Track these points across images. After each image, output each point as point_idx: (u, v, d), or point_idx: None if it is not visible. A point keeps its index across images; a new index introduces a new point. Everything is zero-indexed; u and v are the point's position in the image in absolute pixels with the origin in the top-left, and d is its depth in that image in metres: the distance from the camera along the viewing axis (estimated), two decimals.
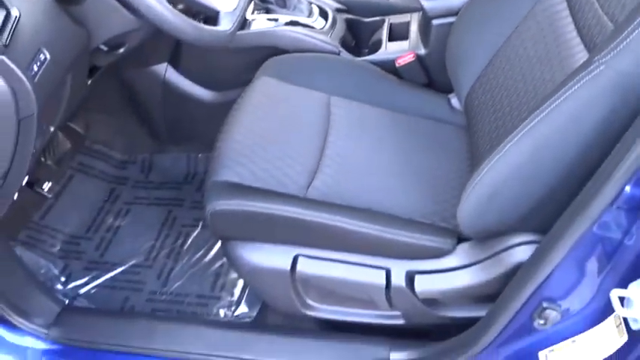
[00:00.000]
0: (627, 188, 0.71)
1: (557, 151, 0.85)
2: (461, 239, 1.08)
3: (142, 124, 1.67)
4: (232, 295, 1.35)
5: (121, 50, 1.16)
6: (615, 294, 0.74)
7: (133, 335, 1.20)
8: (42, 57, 0.91)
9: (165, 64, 1.55)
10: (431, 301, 1.10)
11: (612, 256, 0.77)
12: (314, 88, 1.36)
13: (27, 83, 0.87)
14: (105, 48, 1.12)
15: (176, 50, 1.55)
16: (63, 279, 1.41)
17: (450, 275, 1.06)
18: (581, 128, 0.83)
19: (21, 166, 0.94)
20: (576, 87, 0.82)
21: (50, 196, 1.44)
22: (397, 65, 1.43)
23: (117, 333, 1.21)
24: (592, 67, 0.81)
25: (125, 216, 1.57)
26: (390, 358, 1.10)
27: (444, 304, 1.11)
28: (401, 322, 1.16)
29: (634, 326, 0.75)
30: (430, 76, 1.45)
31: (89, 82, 1.19)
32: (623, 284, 0.75)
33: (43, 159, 1.46)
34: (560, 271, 0.82)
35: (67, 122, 1.59)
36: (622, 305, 0.75)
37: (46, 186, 1.41)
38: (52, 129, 1.07)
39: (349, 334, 1.17)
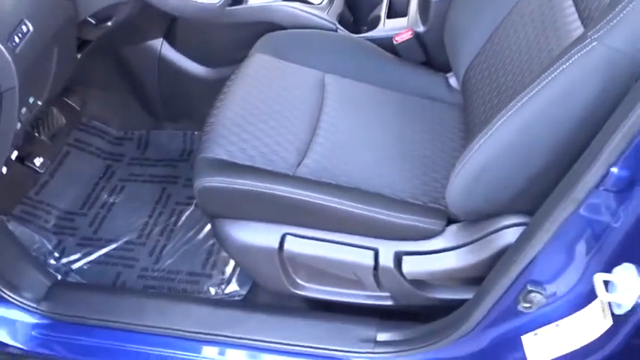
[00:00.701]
0: (614, 170, 0.69)
1: (547, 130, 0.82)
2: (451, 221, 1.06)
3: (139, 100, 1.65)
4: (223, 273, 1.35)
5: (109, 23, 1.14)
6: (599, 278, 0.72)
7: (123, 311, 1.20)
8: (24, 28, 0.90)
9: (160, 40, 1.53)
10: (419, 283, 1.09)
11: (598, 239, 0.75)
12: (309, 65, 1.34)
13: (7, 55, 0.86)
14: (93, 21, 1.11)
15: (171, 26, 1.53)
16: (56, 254, 1.42)
17: (438, 257, 1.04)
18: (572, 107, 0.80)
19: (4, 140, 0.93)
20: (568, 64, 0.79)
21: (42, 171, 1.44)
22: (395, 42, 1.39)
23: (107, 308, 1.21)
24: (584, 43, 0.78)
25: (120, 193, 1.56)
26: (377, 338, 1.09)
27: (433, 286, 1.09)
28: (389, 303, 1.14)
29: (617, 311, 0.73)
30: (428, 54, 1.42)
31: (79, 56, 1.18)
32: (608, 268, 0.73)
33: (37, 134, 1.46)
34: (545, 254, 0.80)
35: (63, 98, 1.58)
36: (606, 290, 0.73)
37: (38, 161, 1.40)
38: (40, 103, 1.06)
39: (338, 314, 1.16)
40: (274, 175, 1.09)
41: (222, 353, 1.16)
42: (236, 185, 1.07)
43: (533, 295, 0.84)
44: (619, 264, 0.72)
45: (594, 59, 0.78)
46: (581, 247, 0.78)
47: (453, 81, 1.38)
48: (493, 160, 0.87)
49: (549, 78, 0.81)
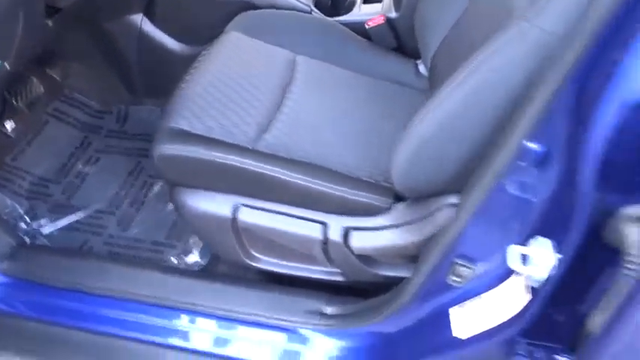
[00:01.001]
0: (529, 143, 0.71)
1: (481, 109, 0.84)
2: (399, 199, 1.09)
3: (119, 75, 1.68)
4: (186, 244, 1.38)
5: None
6: (513, 251, 0.75)
7: (86, 274, 1.23)
8: None
9: (140, 15, 1.56)
10: (366, 259, 1.12)
11: (518, 213, 0.77)
12: (281, 45, 1.36)
13: None
14: None
15: (151, 2, 1.55)
16: (27, 219, 1.45)
17: (384, 233, 1.07)
18: (506, 88, 0.82)
19: None
20: (503, 43, 0.82)
21: (13, 136, 1.47)
22: (367, 27, 1.42)
23: (70, 271, 1.24)
24: (518, 24, 0.80)
25: (95, 164, 1.60)
26: (323, 311, 1.12)
27: (379, 263, 1.12)
28: (339, 278, 1.17)
29: (532, 283, 0.75)
30: (400, 40, 1.44)
31: (50, 23, 1.21)
32: (527, 242, 0.76)
33: (14, 102, 1.49)
34: (471, 229, 0.83)
35: (45, 69, 1.62)
36: (523, 263, 0.75)
37: (9, 125, 1.43)
38: (7, 67, 1.09)
39: (290, 287, 1.19)
40: (230, 146, 1.11)
41: (176, 317, 1.19)
42: (191, 154, 1.09)
43: (461, 268, 0.86)
44: (535, 237, 0.74)
45: (528, 41, 0.80)
46: (502, 222, 0.80)
47: (422, 68, 1.40)
48: (430, 137, 0.90)
49: (485, 59, 0.83)
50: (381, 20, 1.41)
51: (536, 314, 0.76)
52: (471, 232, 0.83)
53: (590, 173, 0.62)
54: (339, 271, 1.16)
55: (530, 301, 0.76)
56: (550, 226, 0.73)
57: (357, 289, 1.18)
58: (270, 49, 1.35)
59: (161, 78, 1.66)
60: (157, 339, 1.17)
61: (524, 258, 0.75)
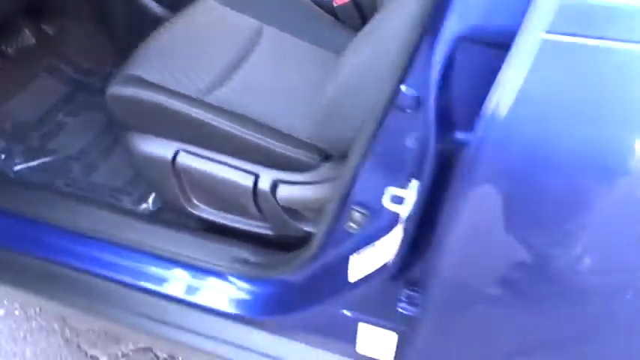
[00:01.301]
0: (402, 87, 0.76)
1: (378, 65, 0.89)
2: (328, 159, 1.15)
3: (109, 36, 1.78)
4: (141, 192, 1.46)
5: None
6: (388, 191, 0.80)
7: (45, 207, 1.32)
8: None
9: None
10: (293, 213, 1.18)
11: (396, 157, 0.82)
12: (250, 15, 1.44)
13: None
14: None
15: None
16: (2, 156, 1.55)
17: (309, 188, 1.13)
18: (398, 43, 0.87)
19: None
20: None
21: None
22: (335, 5, 1.49)
23: (32, 202, 1.33)
24: None
25: (76, 117, 1.69)
26: (246, 259, 1.19)
27: (304, 218, 1.18)
28: (268, 232, 1.24)
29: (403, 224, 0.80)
30: (365, 20, 1.50)
31: None
32: (406, 185, 0.81)
33: (4, 47, 1.60)
34: (362, 175, 0.88)
35: (39, 23, 1.73)
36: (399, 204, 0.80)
37: None
38: None
39: (223, 237, 1.26)
40: (178, 94, 1.19)
41: (118, 254, 1.27)
42: (140, 96, 1.18)
43: (356, 214, 0.92)
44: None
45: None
46: (386, 167, 0.85)
47: None
48: (336, 96, 0.96)
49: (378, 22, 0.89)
50: (348, 0, 1.48)
51: (405, 256, 0.81)
52: (363, 179, 0.88)
53: (433, 106, 0.68)
54: (267, 225, 1.23)
55: (401, 242, 0.81)
56: (422, 169, 0.78)
57: (284, 244, 1.24)
58: (238, 17, 1.43)
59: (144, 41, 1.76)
60: (97, 270, 1.25)
61: (399, 200, 0.80)
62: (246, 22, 1.43)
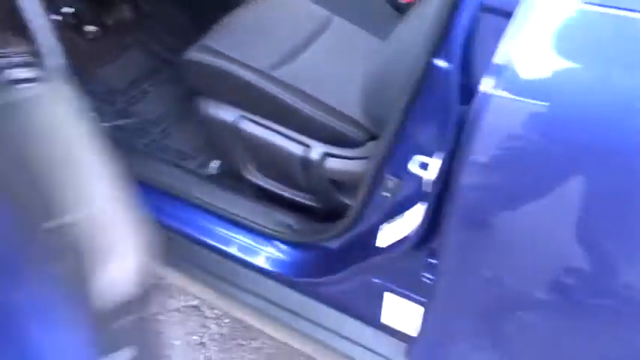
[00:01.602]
0: (435, 61, 0.81)
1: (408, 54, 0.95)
2: (374, 139, 1.22)
3: (195, 18, 1.94)
4: (204, 158, 1.59)
5: None
6: (415, 159, 0.86)
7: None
8: None
9: None
10: (337, 184, 1.26)
11: (426, 129, 0.88)
12: (322, 4, 1.53)
13: None
14: None
15: None
16: (92, 114, 1.73)
17: (353, 163, 1.21)
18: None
19: None
20: None
21: (91, 37, 1.77)
22: (400, 1, 1.56)
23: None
24: None
25: (158, 87, 1.86)
26: (291, 225, 1.29)
27: (346, 190, 1.26)
28: (313, 203, 1.33)
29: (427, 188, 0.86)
30: None
31: None
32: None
33: (104, 18, 1.79)
34: (395, 146, 0.94)
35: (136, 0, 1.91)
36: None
37: (90, 29, 1.73)
38: None
39: (272, 204, 1.36)
40: (247, 66, 1.30)
41: (184, 211, 1.40)
42: (213, 64, 1.30)
43: (389, 182, 0.98)
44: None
45: None
46: (417, 139, 0.91)
47: None
48: (375, 77, 1.02)
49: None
50: None
51: (429, 225, 0.87)
52: (396, 149, 0.95)
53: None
54: (312, 197, 1.32)
55: (425, 211, 0.87)
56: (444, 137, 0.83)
57: (326, 214, 1.33)
58: (311, 5, 1.53)
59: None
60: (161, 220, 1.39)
61: (425, 165, 0.86)
62: (318, 11, 1.53)
